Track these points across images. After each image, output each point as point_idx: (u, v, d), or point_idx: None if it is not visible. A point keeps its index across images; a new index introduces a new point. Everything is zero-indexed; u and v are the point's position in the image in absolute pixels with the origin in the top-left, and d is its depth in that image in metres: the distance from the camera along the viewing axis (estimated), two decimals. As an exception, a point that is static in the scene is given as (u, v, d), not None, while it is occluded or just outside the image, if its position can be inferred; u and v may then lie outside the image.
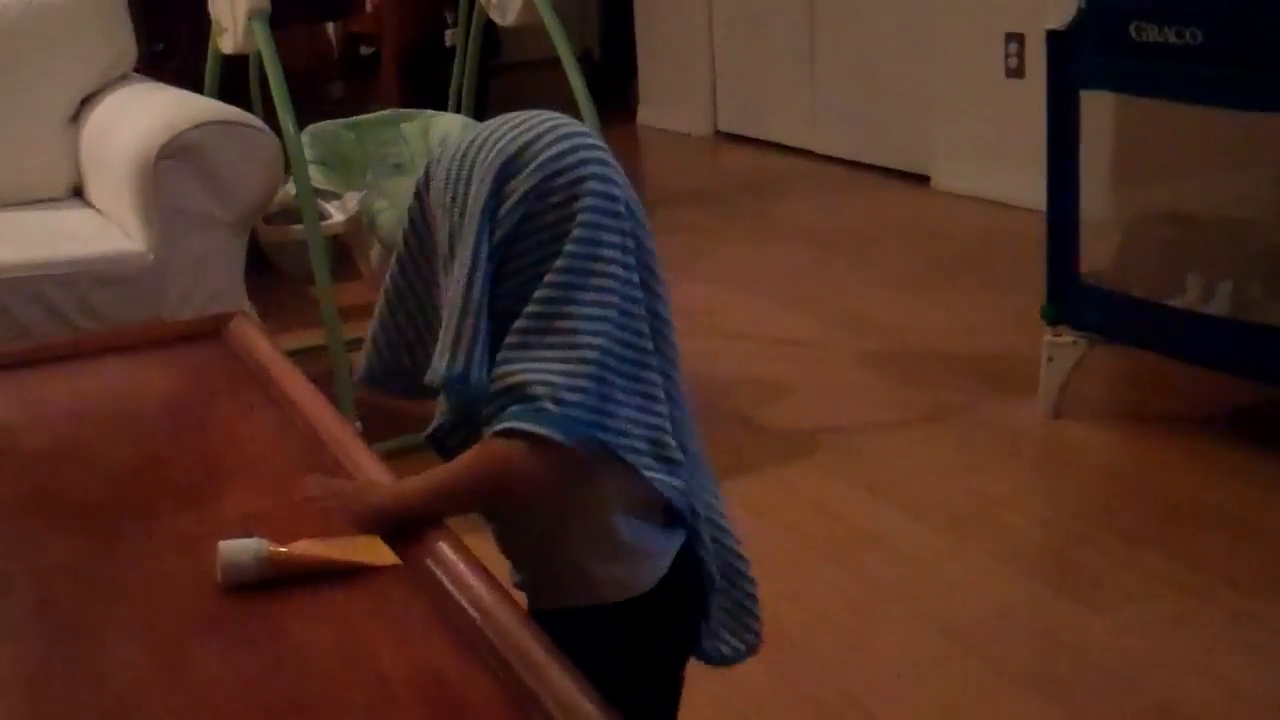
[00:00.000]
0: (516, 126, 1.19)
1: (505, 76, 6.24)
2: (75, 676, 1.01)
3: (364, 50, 5.65)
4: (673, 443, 1.20)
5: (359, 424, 2.60)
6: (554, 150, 1.18)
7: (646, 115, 6.45)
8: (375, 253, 2.70)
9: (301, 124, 2.90)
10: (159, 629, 1.07)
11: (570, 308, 1.15)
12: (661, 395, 1.20)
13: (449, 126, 3.11)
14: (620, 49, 6.74)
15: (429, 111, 3.16)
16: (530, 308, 1.15)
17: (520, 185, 1.16)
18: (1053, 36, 2.68)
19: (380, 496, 1.20)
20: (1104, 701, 1.89)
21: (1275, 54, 2.34)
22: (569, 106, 2.87)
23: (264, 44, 2.71)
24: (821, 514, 2.44)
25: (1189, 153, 2.96)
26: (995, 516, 2.40)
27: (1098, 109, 2.75)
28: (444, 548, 1.13)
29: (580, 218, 1.16)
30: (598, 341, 1.15)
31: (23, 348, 1.77)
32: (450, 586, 1.08)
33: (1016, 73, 4.43)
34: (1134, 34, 2.52)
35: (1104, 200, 2.99)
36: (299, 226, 2.67)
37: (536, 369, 1.14)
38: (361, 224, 2.68)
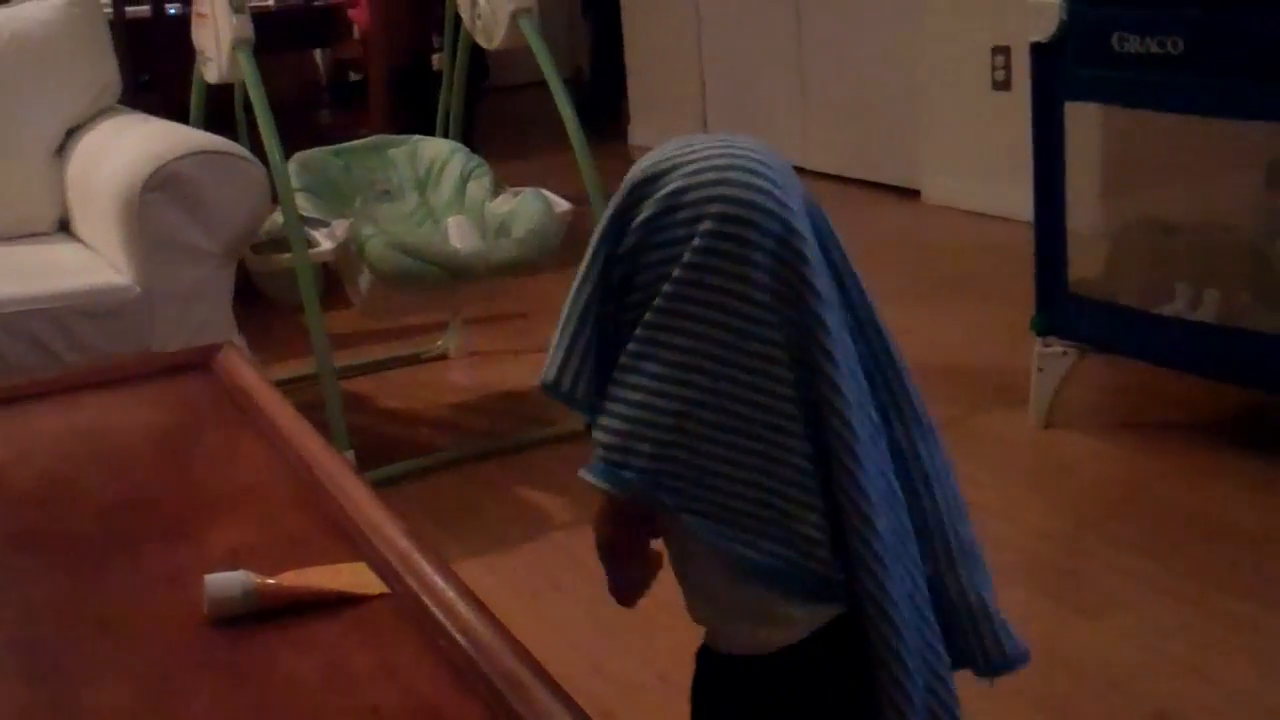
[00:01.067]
0: (684, 146, 1.12)
1: (495, 100, 6.26)
2: (62, 713, 1.01)
3: (352, 76, 5.66)
4: (791, 509, 1.10)
5: (351, 453, 2.60)
6: (693, 180, 1.09)
7: (638, 135, 6.46)
8: (364, 279, 2.70)
9: (292, 151, 2.91)
10: (146, 664, 1.06)
11: (659, 350, 1.09)
12: (786, 455, 1.09)
13: (437, 151, 3.11)
14: (610, 70, 6.76)
15: (416, 136, 3.17)
16: (629, 344, 1.10)
17: (646, 209, 1.10)
18: (1036, 49, 2.69)
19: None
20: (1100, 710, 1.89)
21: (1256, 61, 2.34)
22: (557, 128, 2.88)
23: (248, 73, 2.72)
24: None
25: (1174, 161, 2.97)
26: (988, 527, 2.40)
27: (1084, 120, 2.76)
28: (432, 575, 1.13)
29: (687, 258, 1.08)
30: (680, 391, 1.08)
31: (10, 383, 1.76)
32: (439, 614, 1.08)
33: (1004, 85, 4.44)
34: (1116, 45, 2.53)
35: (1091, 211, 2.99)
36: (287, 255, 2.67)
37: (612, 413, 1.10)
38: (350, 251, 2.68)
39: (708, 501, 1.10)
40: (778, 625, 1.15)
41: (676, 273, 1.08)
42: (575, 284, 1.13)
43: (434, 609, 1.09)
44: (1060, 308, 2.75)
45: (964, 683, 1.19)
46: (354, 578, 1.15)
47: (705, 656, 1.22)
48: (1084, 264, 2.82)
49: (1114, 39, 2.53)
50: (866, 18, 5.07)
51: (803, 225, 1.12)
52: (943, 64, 4.71)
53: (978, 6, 4.49)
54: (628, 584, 1.20)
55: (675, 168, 1.10)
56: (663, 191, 1.09)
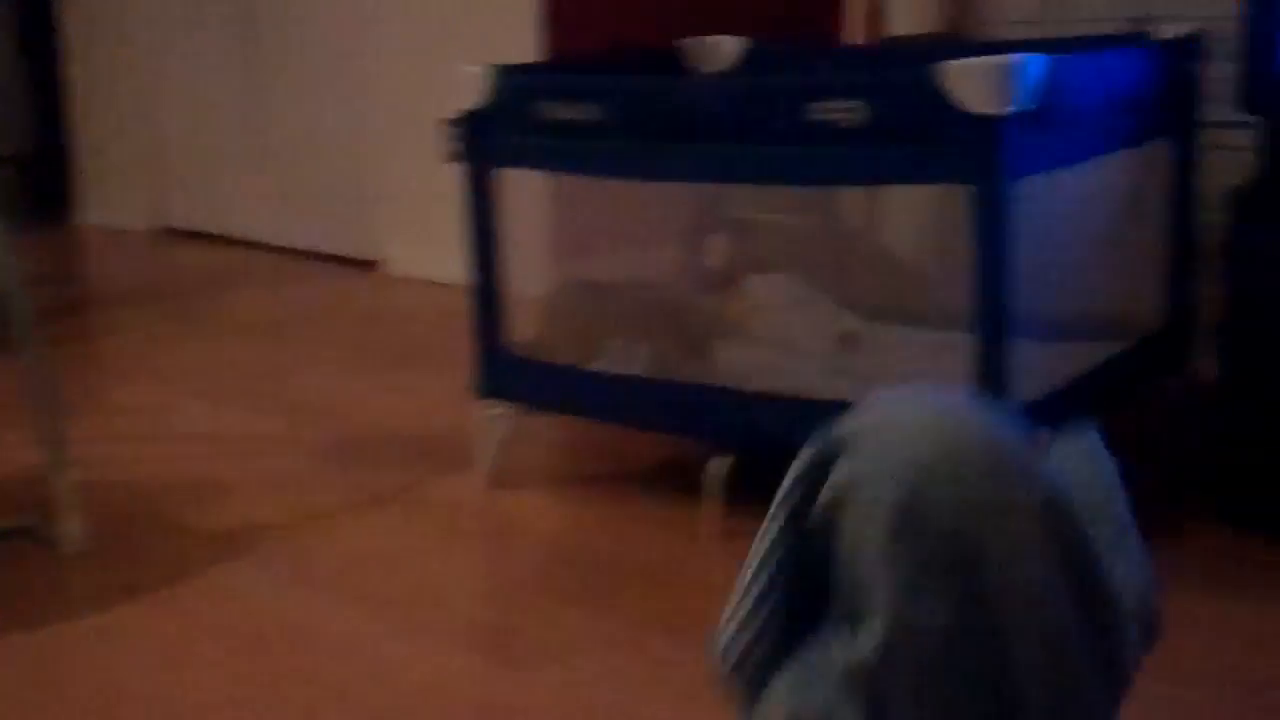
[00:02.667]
0: (890, 407, 0.98)
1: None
2: None
3: None
4: None
5: None
6: (866, 466, 0.94)
7: (88, 214, 6.14)
8: None
9: None
10: None
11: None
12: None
13: None
14: (57, 145, 6.38)
15: None
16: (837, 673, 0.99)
17: (827, 492, 0.97)
18: (468, 117, 2.74)
19: None
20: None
21: (671, 126, 2.46)
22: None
23: None
24: (251, 612, 2.33)
25: (610, 224, 3.09)
26: (434, 592, 2.38)
27: (525, 186, 2.82)
28: None
29: (896, 596, 0.94)
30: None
31: None
32: None
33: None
34: (542, 112, 2.60)
35: (535, 274, 3.06)
36: None
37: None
38: None
39: None
40: None
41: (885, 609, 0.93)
42: (758, 549, 1.03)
43: None
44: (499, 370, 2.78)
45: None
46: None
47: None
48: (527, 326, 2.87)
49: (539, 107, 2.61)
50: (322, 91, 5.06)
51: (1029, 563, 0.94)
52: (397, 136, 4.75)
53: (427, 80, 4.55)
54: None
55: (855, 441, 0.95)
56: (839, 478, 0.96)
